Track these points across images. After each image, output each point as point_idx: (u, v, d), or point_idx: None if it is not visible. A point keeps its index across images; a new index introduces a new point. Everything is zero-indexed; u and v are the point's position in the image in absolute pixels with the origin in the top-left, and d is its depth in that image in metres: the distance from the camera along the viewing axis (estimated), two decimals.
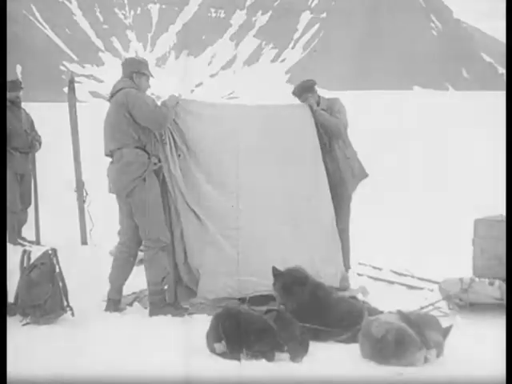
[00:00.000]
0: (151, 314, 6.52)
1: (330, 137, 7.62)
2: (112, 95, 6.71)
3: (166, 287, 6.71)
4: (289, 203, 7.12)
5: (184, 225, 6.78)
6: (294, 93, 7.78)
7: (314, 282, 6.14)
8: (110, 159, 6.73)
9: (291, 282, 6.04)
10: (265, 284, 6.37)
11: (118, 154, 6.56)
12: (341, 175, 7.64)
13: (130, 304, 6.81)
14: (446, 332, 5.41)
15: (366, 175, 7.83)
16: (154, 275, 6.57)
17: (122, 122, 6.54)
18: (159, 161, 6.68)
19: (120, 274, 6.74)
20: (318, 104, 7.63)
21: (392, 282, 7.85)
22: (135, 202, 6.55)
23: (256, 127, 7.19)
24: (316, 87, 7.77)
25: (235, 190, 6.90)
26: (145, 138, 6.59)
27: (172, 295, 6.74)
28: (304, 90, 7.70)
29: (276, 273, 6.15)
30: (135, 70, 6.74)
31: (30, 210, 9.84)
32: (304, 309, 5.82)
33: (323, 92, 8.11)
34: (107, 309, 6.64)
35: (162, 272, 6.59)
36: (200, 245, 6.75)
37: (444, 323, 5.52)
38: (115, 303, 6.67)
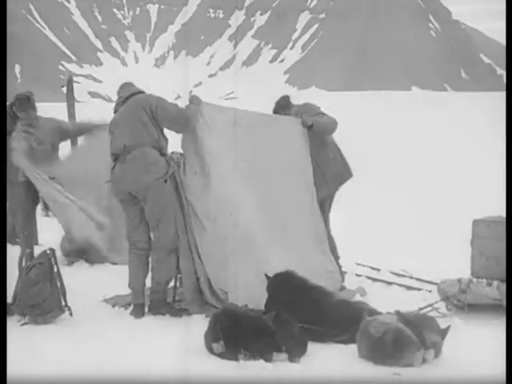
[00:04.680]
0: (150, 311, 6.53)
1: (323, 136, 7.61)
2: (127, 98, 6.63)
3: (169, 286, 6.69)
4: (279, 210, 7.11)
5: (199, 244, 6.66)
6: (276, 112, 7.70)
7: (311, 284, 6.15)
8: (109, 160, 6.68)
9: (286, 288, 6.07)
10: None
11: (137, 153, 6.45)
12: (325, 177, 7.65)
13: (128, 304, 6.80)
14: (443, 333, 5.42)
15: (348, 177, 7.77)
16: (161, 276, 6.55)
17: (143, 120, 6.48)
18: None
19: (140, 278, 6.65)
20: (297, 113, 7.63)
21: (390, 283, 7.85)
22: (154, 203, 6.48)
23: (254, 135, 7.16)
24: (290, 101, 7.77)
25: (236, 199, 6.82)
26: (162, 141, 6.60)
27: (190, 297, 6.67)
28: (282, 108, 7.67)
29: (270, 280, 6.17)
30: None
31: None
32: (303, 312, 5.82)
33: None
34: (135, 315, 6.53)
35: (169, 274, 6.60)
36: (221, 261, 6.59)
37: (442, 324, 5.52)
38: (141, 307, 6.60)
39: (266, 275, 6.23)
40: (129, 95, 6.66)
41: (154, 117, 6.52)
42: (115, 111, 6.75)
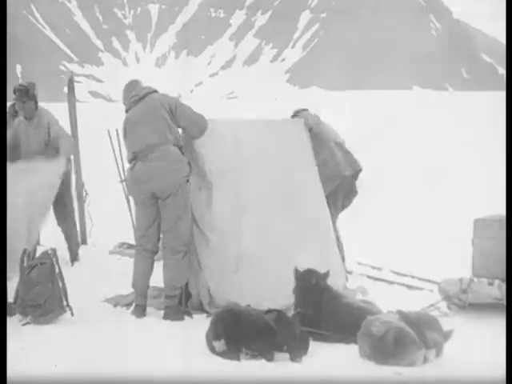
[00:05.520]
0: (166, 318, 6.43)
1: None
2: (141, 97, 6.59)
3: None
4: (288, 213, 7.11)
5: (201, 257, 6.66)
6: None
7: (324, 285, 6.13)
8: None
9: (308, 285, 6.05)
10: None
11: (162, 151, 6.41)
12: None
13: (130, 304, 6.80)
14: (446, 336, 5.41)
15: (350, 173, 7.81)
16: (179, 279, 6.48)
17: (165, 119, 6.47)
18: None
19: (145, 279, 6.61)
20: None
21: (392, 282, 7.85)
22: (176, 202, 6.43)
23: (255, 143, 7.17)
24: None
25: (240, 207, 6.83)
26: (181, 140, 6.60)
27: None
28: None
29: (297, 275, 6.14)
30: None
31: None
32: (315, 313, 5.82)
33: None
34: (136, 315, 6.51)
35: (186, 277, 6.55)
36: (223, 274, 6.59)
37: (443, 323, 5.52)
38: (143, 308, 6.57)
39: (295, 269, 6.09)
40: (144, 94, 6.61)
41: (174, 116, 6.52)
42: (128, 109, 6.66)
